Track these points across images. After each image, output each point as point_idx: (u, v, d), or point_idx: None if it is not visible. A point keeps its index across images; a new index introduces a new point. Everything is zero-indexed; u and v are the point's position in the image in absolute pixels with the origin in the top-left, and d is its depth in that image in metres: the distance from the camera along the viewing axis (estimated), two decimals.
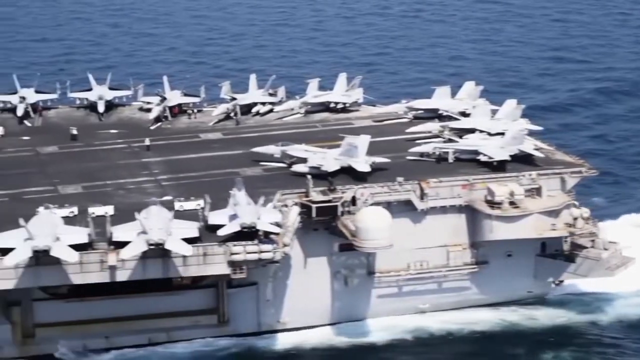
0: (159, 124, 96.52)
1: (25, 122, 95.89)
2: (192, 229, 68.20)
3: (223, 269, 68.98)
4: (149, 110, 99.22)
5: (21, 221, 67.31)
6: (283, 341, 78.54)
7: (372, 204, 76.53)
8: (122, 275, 67.86)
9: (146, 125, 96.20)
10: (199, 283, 75.89)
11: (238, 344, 77.62)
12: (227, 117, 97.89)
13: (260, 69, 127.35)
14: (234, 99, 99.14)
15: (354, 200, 77.15)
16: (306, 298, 78.47)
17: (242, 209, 69.06)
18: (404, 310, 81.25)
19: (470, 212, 79.28)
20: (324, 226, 76.75)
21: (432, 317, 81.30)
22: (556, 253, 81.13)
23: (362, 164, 79.81)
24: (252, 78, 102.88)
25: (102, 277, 67.67)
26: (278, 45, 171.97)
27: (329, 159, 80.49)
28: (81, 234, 66.78)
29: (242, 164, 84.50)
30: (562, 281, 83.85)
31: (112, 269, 67.10)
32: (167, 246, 66.19)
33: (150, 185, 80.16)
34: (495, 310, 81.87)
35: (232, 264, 68.69)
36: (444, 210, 79.17)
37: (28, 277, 66.49)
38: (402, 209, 77.99)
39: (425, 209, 78.63)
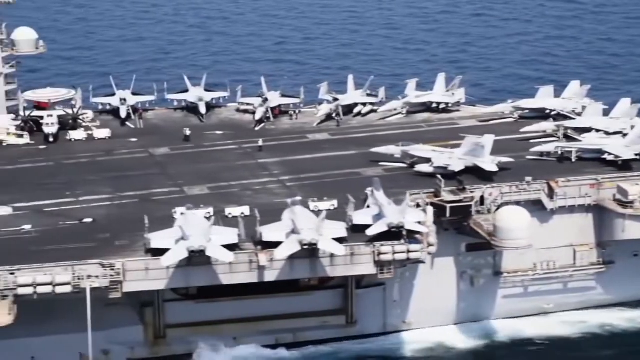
0: (262, 124, 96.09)
1: (128, 123, 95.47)
2: (340, 229, 67.58)
3: (370, 269, 68.34)
4: (246, 111, 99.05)
5: (177, 221, 67.04)
6: (409, 341, 77.95)
7: (501, 204, 75.87)
8: (270, 276, 67.25)
9: (249, 126, 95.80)
10: (327, 284, 75.33)
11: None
12: (329, 117, 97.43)
13: (348, 69, 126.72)
14: (336, 99, 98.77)
15: (481, 200, 76.52)
16: (432, 298, 77.90)
17: (387, 209, 68.39)
18: (528, 311, 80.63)
19: (598, 212, 78.55)
20: (453, 226, 76.08)
21: (557, 317, 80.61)
22: None
23: (489, 164, 79.17)
24: (350, 79, 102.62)
25: (251, 278, 67.07)
26: (364, 45, 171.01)
27: (454, 159, 79.87)
28: (231, 235, 66.17)
29: (360, 164, 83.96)
30: None
31: (261, 269, 66.51)
32: (320, 246, 65.57)
33: (276, 186, 79.62)
34: (622, 310, 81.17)
35: (379, 264, 67.96)
36: (571, 209, 78.50)
37: (179, 277, 65.95)
38: (530, 208, 77.13)
39: (554, 209, 77.91)
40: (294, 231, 66.32)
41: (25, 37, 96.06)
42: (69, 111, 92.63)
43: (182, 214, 69.43)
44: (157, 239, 65.61)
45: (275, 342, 75.96)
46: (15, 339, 68.63)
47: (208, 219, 68.58)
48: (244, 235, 66.82)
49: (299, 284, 74.10)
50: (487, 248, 76.41)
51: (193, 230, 64.77)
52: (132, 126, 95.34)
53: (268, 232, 66.76)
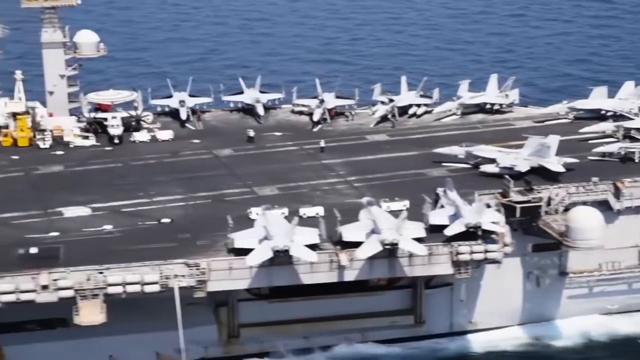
0: (320, 126, 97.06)
1: (188, 125, 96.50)
2: (419, 229, 68.49)
3: (447, 269, 69.26)
4: (302, 112, 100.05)
5: (257, 221, 68.09)
6: (475, 342, 78.89)
7: (568, 204, 76.69)
8: (349, 275, 68.20)
9: (307, 128, 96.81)
10: (395, 284, 76.25)
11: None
12: (384, 118, 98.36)
13: (399, 69, 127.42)
14: (391, 100, 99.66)
15: (548, 201, 77.32)
16: (498, 298, 78.75)
17: (464, 209, 69.29)
18: (592, 311, 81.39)
19: None
20: (521, 226, 76.91)
21: (621, 318, 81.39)
22: None
23: (555, 164, 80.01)
24: (403, 80, 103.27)
25: (331, 277, 68.02)
26: (408, 46, 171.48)
27: (520, 159, 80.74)
28: (312, 235, 67.15)
29: (423, 164, 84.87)
30: None
31: (341, 269, 67.48)
32: (401, 246, 66.51)
33: (344, 187, 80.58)
34: None
35: (456, 264, 68.89)
36: (637, 210, 79.24)
37: (262, 277, 66.93)
38: (596, 208, 77.96)
39: (620, 209, 78.71)
40: (374, 231, 67.24)
41: (87, 40, 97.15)
42: (132, 113, 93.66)
43: (259, 214, 70.34)
44: (240, 239, 66.56)
45: (344, 341, 76.89)
46: (94, 337, 69.72)
47: (290, 219, 69.42)
48: (324, 235, 67.80)
49: (367, 284, 75.03)
50: (553, 248, 77.39)
51: (277, 230, 65.75)
52: (192, 128, 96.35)
53: (348, 232, 67.71)
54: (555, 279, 79.96)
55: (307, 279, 67.76)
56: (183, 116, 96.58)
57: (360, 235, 67.59)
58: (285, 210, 72.65)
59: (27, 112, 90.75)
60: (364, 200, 72.17)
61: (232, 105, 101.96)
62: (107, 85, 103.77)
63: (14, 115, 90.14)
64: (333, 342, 76.55)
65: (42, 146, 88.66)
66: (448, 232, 68.57)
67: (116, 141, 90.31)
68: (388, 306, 76.60)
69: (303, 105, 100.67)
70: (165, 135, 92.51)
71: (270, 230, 65.56)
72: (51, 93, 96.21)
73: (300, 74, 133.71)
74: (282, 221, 68.29)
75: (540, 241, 77.61)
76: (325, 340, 76.34)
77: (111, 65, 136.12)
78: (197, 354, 73.91)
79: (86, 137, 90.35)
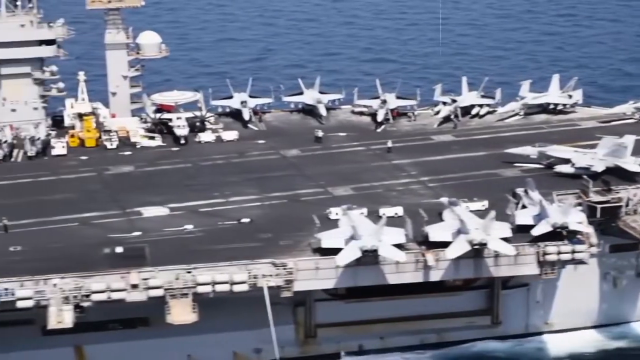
0: (383, 126, 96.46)
1: (250, 125, 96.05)
2: (506, 229, 67.74)
3: (533, 270, 68.48)
4: (362, 113, 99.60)
5: (342, 221, 67.55)
6: (551, 343, 78.02)
7: None
8: (435, 275, 67.56)
9: (370, 128, 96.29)
10: (472, 284, 75.48)
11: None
12: (446, 119, 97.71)
13: (459, 69, 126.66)
14: (454, 101, 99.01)
15: (626, 201, 76.34)
16: (574, 299, 77.80)
17: (550, 209, 68.51)
18: None
19: None
20: (599, 227, 75.99)
21: None
22: None
23: (632, 164, 79.13)
24: (464, 80, 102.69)
25: (416, 277, 67.40)
26: (457, 45, 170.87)
27: (596, 160, 79.90)
28: (399, 234, 66.49)
29: (494, 165, 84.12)
30: None
31: (427, 269, 66.80)
32: (490, 246, 65.80)
33: (418, 187, 79.91)
34: None
35: (542, 265, 68.07)
36: None
37: (347, 277, 66.33)
38: None
39: None
40: (460, 231, 66.53)
41: (150, 41, 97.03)
42: (197, 113, 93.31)
43: (340, 214, 69.96)
44: (327, 239, 66.02)
45: (420, 342, 76.22)
46: (172, 337, 69.29)
47: (371, 219, 68.72)
48: (410, 235, 67.13)
49: (443, 284, 74.26)
50: (631, 249, 76.42)
51: (364, 229, 65.18)
52: (255, 128, 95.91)
53: (434, 232, 67.04)
54: (632, 280, 78.94)
55: (392, 279, 67.16)
56: (246, 117, 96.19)
57: (446, 235, 66.90)
58: (365, 211, 72.02)
59: (92, 113, 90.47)
60: (445, 200, 71.47)
61: (292, 105, 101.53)
62: (168, 86, 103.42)
63: (80, 115, 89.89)
64: (409, 343, 75.81)
65: (109, 147, 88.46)
66: (535, 232, 67.78)
67: (182, 142, 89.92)
68: (465, 307, 75.73)
69: (364, 106, 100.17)
70: (230, 135, 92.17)
71: (358, 230, 64.97)
72: (114, 94, 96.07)
73: (356, 74, 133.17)
74: (368, 221, 67.65)
75: (617, 242, 76.61)
76: (402, 341, 75.63)
77: (169, 66, 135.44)
78: (273, 354, 73.31)
79: (152, 138, 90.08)
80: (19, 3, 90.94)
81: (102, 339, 68.92)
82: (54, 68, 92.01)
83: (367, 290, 70.79)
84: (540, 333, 78.81)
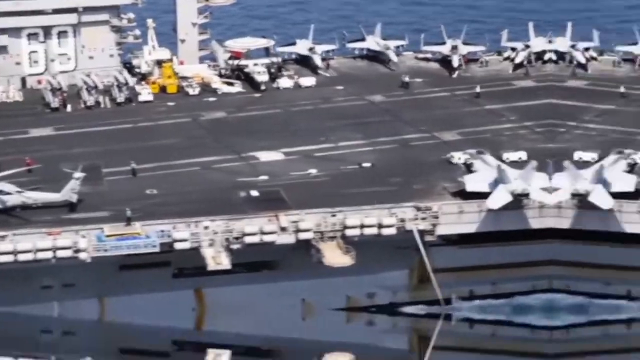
0: (458, 72, 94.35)
1: (320, 72, 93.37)
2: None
3: None
4: (427, 59, 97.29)
5: (477, 165, 65.93)
6: None
7: None
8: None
9: (442, 74, 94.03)
10: None
11: None
12: (519, 65, 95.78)
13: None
14: (527, 46, 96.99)
15: None
16: None
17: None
18: None
19: None
20: None
21: None
22: None
23: None
24: (530, 26, 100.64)
25: (561, 223, 65.35)
26: None
27: None
28: (544, 179, 64.17)
29: None
30: None
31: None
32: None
33: (526, 132, 77.77)
34: None
35: None
36: None
37: (490, 221, 64.39)
38: None
39: None
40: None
41: None
42: (274, 60, 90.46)
43: (460, 158, 68.85)
44: (472, 182, 64.10)
45: (532, 288, 74.46)
46: (288, 281, 67.10)
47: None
48: None
49: None
50: None
51: (514, 173, 63.34)
52: (327, 74, 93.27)
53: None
54: None
55: (535, 223, 65.29)
56: (318, 62, 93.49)
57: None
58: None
59: (170, 60, 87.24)
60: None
61: (356, 52, 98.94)
62: (234, 33, 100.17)
63: (159, 62, 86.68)
64: (520, 289, 74.07)
65: (191, 93, 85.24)
66: None
67: (262, 87, 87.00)
68: None
69: (432, 52, 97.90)
70: (308, 82, 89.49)
71: (508, 174, 62.97)
72: (183, 41, 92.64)
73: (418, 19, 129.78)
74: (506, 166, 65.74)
75: None
76: (514, 287, 73.86)
77: (231, 12, 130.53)
78: (385, 299, 71.44)
79: (231, 84, 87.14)
80: None
81: (220, 282, 66.56)
82: (131, 15, 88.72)
83: (480, 236, 69.10)
84: None
